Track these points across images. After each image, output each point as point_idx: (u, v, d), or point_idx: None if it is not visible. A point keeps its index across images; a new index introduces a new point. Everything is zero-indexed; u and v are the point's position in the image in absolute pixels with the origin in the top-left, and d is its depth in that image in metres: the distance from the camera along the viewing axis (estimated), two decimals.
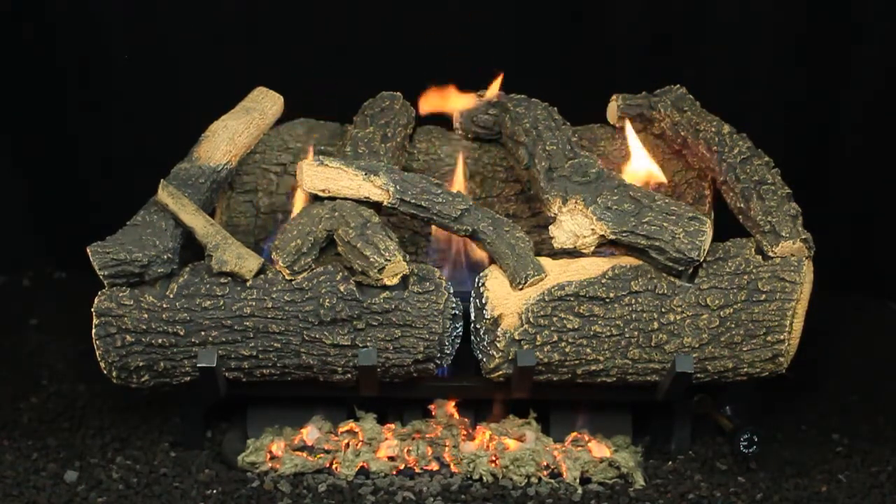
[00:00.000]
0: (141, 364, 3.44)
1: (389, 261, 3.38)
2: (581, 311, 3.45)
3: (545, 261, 3.50)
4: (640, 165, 3.73)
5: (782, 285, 3.48)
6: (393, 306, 3.42)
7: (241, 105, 3.80)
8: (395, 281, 3.41)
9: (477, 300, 3.49)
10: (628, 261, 3.49)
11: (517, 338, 3.44)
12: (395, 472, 3.48)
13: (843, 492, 3.45)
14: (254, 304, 3.42)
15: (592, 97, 3.96)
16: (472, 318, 3.51)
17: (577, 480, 3.48)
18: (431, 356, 3.47)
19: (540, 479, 3.47)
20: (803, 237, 3.49)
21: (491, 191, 3.84)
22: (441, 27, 4.43)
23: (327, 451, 3.53)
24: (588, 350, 3.46)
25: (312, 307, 3.42)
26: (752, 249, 3.52)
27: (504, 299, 3.44)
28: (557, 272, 3.47)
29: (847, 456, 3.66)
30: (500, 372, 3.49)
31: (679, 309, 3.46)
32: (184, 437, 3.66)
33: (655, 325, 3.46)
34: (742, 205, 3.59)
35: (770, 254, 3.50)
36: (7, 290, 4.48)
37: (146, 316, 3.41)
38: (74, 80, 4.46)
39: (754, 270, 3.49)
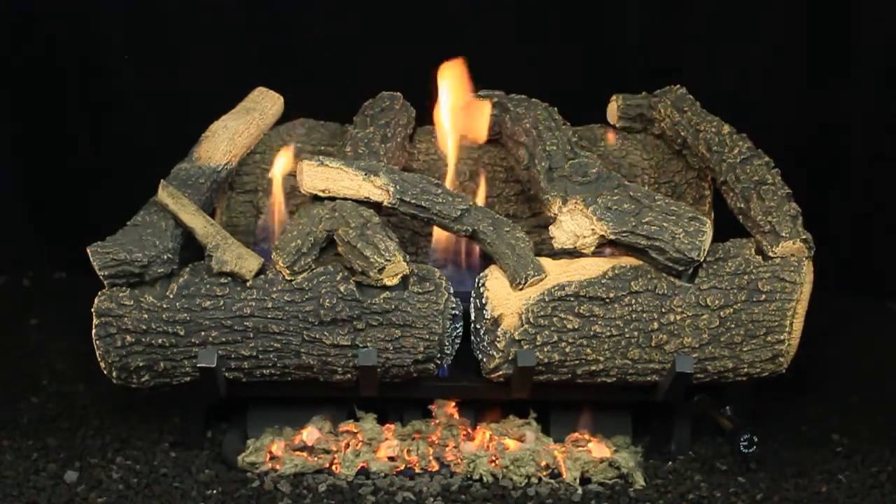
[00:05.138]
0: (141, 364, 3.44)
1: (389, 261, 3.38)
2: (581, 311, 3.45)
3: (545, 261, 3.50)
4: None
5: (782, 285, 3.48)
6: (393, 306, 3.42)
7: (241, 105, 3.80)
8: (395, 281, 3.41)
9: (477, 300, 3.49)
10: (628, 261, 3.49)
11: (517, 338, 3.44)
12: (395, 473, 3.48)
13: (843, 492, 3.45)
14: (254, 304, 3.42)
15: (592, 97, 3.96)
16: (472, 318, 3.51)
17: (577, 481, 3.48)
18: (431, 356, 3.47)
19: (540, 479, 3.47)
20: (803, 237, 3.49)
21: (491, 191, 3.84)
22: (441, 27, 4.43)
23: (327, 452, 3.53)
24: (588, 350, 3.46)
25: (312, 307, 3.42)
26: (752, 249, 3.52)
27: (504, 299, 3.45)
28: (557, 272, 3.47)
29: (847, 456, 3.66)
30: (500, 372, 3.49)
31: (679, 309, 3.46)
32: (184, 437, 3.66)
33: (655, 325, 3.46)
34: (742, 205, 3.59)
35: (770, 254, 3.50)
36: (7, 290, 4.48)
37: (146, 316, 3.41)
38: (74, 80, 4.46)
39: (754, 270, 3.49)
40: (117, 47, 4.43)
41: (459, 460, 3.50)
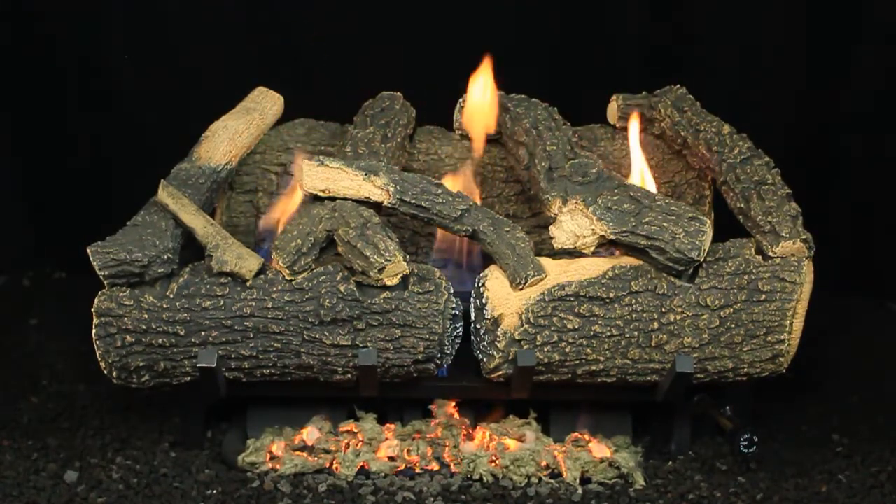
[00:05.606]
0: (141, 364, 3.44)
1: (389, 261, 3.38)
2: (581, 311, 3.45)
3: (545, 261, 3.50)
4: (635, 169, 3.73)
5: (782, 285, 3.48)
6: (393, 306, 3.42)
7: (242, 105, 3.80)
8: (396, 281, 3.41)
9: (477, 300, 3.49)
10: (628, 261, 3.49)
11: (517, 338, 3.44)
12: (395, 473, 3.48)
13: (843, 492, 3.45)
14: (254, 304, 3.42)
15: (592, 97, 3.96)
16: (473, 318, 3.51)
17: (577, 480, 3.48)
18: (431, 356, 3.47)
19: (540, 479, 3.47)
20: (803, 237, 3.50)
21: (491, 191, 3.84)
22: (441, 27, 4.43)
23: (327, 452, 3.53)
24: (588, 350, 3.46)
25: (312, 307, 3.42)
26: (752, 249, 3.52)
27: (504, 299, 3.44)
28: (557, 272, 3.47)
29: (847, 456, 3.66)
30: (501, 372, 3.49)
31: (679, 309, 3.46)
32: (184, 437, 3.66)
33: (655, 325, 3.46)
34: (742, 205, 3.59)
35: (770, 254, 3.50)
36: (7, 290, 4.48)
37: (146, 316, 3.41)
38: (74, 80, 4.46)
39: (754, 270, 3.49)
40: (117, 47, 4.43)
41: (459, 460, 3.50)
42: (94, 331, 3.43)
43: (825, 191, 4.44)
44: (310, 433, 3.56)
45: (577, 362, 3.47)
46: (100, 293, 3.43)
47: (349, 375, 3.48)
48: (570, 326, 3.45)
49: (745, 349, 3.50)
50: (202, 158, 3.64)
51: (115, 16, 4.42)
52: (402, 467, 3.50)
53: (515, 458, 3.48)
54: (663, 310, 3.46)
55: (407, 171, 3.70)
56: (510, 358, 3.46)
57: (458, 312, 3.50)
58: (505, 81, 3.90)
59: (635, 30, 4.46)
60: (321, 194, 3.52)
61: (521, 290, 3.45)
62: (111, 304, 3.42)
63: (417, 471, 3.49)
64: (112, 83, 4.46)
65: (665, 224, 3.45)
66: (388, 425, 3.60)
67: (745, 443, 3.52)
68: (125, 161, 4.48)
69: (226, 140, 3.68)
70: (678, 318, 3.47)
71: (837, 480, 3.51)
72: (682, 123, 3.78)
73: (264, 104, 3.81)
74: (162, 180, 3.54)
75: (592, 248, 3.49)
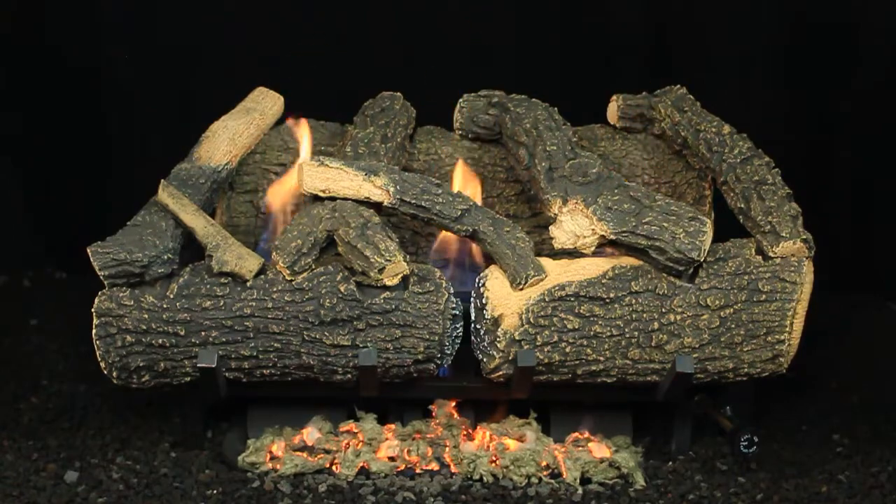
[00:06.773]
0: (141, 364, 3.44)
1: (390, 261, 3.38)
2: (581, 311, 3.45)
3: (545, 261, 3.50)
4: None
5: (783, 285, 3.48)
6: (393, 307, 3.42)
7: (242, 105, 3.80)
8: (396, 281, 3.41)
9: (477, 300, 3.49)
10: (628, 261, 3.49)
11: (517, 338, 3.44)
12: (395, 473, 3.48)
13: (843, 492, 3.45)
14: (254, 304, 3.42)
15: (592, 97, 3.96)
16: (473, 318, 3.51)
17: (578, 481, 3.48)
18: (432, 356, 3.47)
19: (540, 479, 3.47)
20: (803, 237, 3.50)
21: (491, 191, 3.84)
22: (441, 27, 4.42)
23: (327, 452, 3.53)
24: (588, 350, 3.46)
25: (313, 307, 3.42)
26: (753, 250, 3.52)
27: (504, 299, 3.45)
28: (558, 272, 3.47)
29: (847, 456, 3.66)
30: (501, 372, 3.49)
31: (679, 309, 3.46)
32: (184, 437, 3.66)
33: (656, 325, 3.46)
34: (742, 205, 3.59)
35: (770, 254, 3.50)
36: (7, 290, 4.48)
37: (146, 316, 3.41)
38: (75, 80, 4.46)
39: (754, 271, 3.49)
40: (117, 47, 4.43)
41: (459, 460, 3.50)
42: (94, 331, 3.43)
43: (825, 190, 4.44)
44: (310, 433, 3.56)
45: (578, 362, 3.48)
46: (100, 293, 3.43)
47: (349, 375, 3.48)
48: (570, 326, 3.45)
49: (745, 349, 3.50)
50: (202, 158, 3.64)
51: (115, 16, 4.42)
52: (403, 467, 3.50)
53: (515, 458, 3.48)
54: (663, 310, 3.46)
55: (407, 171, 3.69)
56: (510, 358, 3.46)
57: (458, 312, 3.50)
58: (505, 82, 3.90)
59: (635, 29, 4.46)
60: (321, 194, 3.52)
61: (522, 290, 3.45)
62: (111, 304, 3.42)
63: (417, 471, 3.49)
64: (112, 83, 4.46)
65: (665, 224, 3.45)
66: (388, 425, 3.60)
67: (745, 443, 3.52)
68: (125, 161, 4.48)
69: (226, 140, 3.68)
70: (678, 318, 3.47)
71: (837, 480, 3.51)
72: (682, 123, 3.78)
73: (264, 104, 3.81)
74: (162, 180, 3.54)
75: (592, 248, 3.49)
